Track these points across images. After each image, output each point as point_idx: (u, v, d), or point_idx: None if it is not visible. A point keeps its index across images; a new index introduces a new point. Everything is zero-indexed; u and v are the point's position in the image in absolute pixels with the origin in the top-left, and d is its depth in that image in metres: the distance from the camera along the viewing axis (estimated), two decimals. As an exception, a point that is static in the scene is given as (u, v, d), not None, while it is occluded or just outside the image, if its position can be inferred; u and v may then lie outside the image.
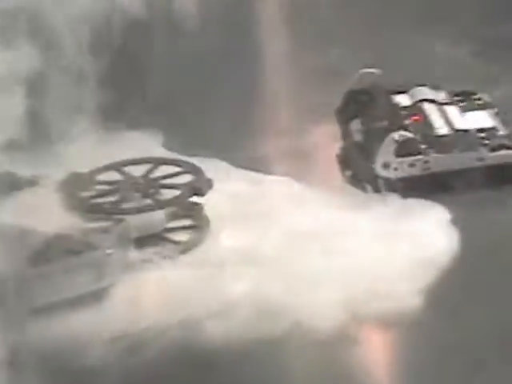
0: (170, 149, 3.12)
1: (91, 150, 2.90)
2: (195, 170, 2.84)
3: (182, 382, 2.22)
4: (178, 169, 2.87)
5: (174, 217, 2.73)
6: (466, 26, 3.54)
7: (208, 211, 2.75)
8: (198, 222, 2.72)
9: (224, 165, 3.04)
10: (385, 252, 2.58)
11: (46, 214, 2.61)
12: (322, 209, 2.77)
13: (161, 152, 3.06)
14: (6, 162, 2.51)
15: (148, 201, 2.74)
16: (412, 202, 2.71)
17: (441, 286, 2.48)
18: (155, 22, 3.16)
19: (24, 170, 2.77)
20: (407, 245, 2.60)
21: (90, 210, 2.71)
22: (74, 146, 2.87)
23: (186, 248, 2.64)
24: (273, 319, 2.35)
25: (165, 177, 2.84)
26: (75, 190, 2.77)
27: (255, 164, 3.02)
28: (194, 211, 2.74)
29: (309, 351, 2.32)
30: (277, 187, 2.92)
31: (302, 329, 2.31)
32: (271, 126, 3.32)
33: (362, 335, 2.37)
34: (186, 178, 2.82)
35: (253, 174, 2.98)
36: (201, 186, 2.77)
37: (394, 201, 2.69)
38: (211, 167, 2.93)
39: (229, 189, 2.86)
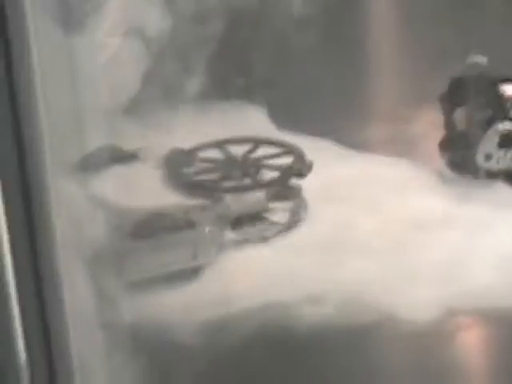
0: (276, 124, 3.10)
1: (196, 123, 2.94)
2: (296, 152, 2.85)
3: (269, 365, 2.23)
4: (279, 149, 2.89)
5: (274, 198, 2.73)
6: None
7: (307, 194, 2.74)
8: (297, 205, 2.71)
9: (328, 145, 3.01)
10: (485, 245, 2.56)
11: (146, 189, 2.67)
12: (424, 197, 2.77)
13: (266, 127, 3.04)
14: (111, 134, 2.57)
15: (248, 180, 2.78)
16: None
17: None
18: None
19: (128, 142, 2.79)
20: (507, 236, 2.57)
21: (191, 187, 2.75)
22: (179, 117, 2.92)
23: (282, 230, 2.65)
24: (365, 309, 2.35)
25: (266, 157, 2.86)
26: (176, 166, 2.81)
27: (359, 147, 2.99)
28: (293, 193, 2.74)
29: (397, 342, 2.34)
30: (379, 172, 2.90)
31: (395, 320, 2.31)
32: (377, 111, 3.32)
33: (456, 330, 2.36)
34: (287, 160, 2.84)
35: (355, 157, 2.96)
36: (301, 168, 2.78)
37: (496, 191, 2.67)
38: (315, 146, 2.94)
39: (330, 171, 2.84)
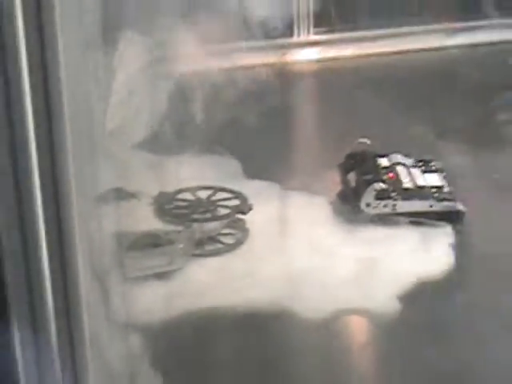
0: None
1: (178, 173, 2.88)
2: (242, 196, 2.84)
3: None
4: (230, 195, 2.86)
5: (225, 227, 2.71)
6: (434, 114, 3.50)
7: (248, 224, 2.71)
8: (241, 232, 2.70)
9: (268, 188, 2.97)
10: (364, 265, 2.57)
11: (140, 218, 2.62)
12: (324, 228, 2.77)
13: (229, 177, 3.00)
14: (117, 179, 2.50)
15: (209, 215, 2.76)
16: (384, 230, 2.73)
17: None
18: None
19: (128, 186, 2.73)
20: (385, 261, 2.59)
21: (170, 217, 2.73)
22: (165, 167, 2.89)
23: (231, 248, 2.63)
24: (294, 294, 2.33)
25: (221, 199, 2.84)
26: (161, 203, 2.78)
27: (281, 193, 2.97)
28: (239, 224, 2.72)
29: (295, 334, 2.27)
30: (294, 209, 2.87)
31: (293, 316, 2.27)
32: (298, 168, 3.27)
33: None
34: (235, 202, 2.81)
35: (281, 200, 2.92)
36: (244, 208, 2.77)
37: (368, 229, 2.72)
38: (255, 189, 2.92)
39: (265, 209, 2.80)
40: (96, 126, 1.76)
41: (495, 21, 4.51)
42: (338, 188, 2.89)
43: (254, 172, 3.08)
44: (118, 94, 2.80)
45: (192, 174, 2.94)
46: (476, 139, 3.15)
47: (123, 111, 2.87)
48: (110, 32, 1.99)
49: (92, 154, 1.69)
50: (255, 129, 3.24)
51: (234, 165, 3.12)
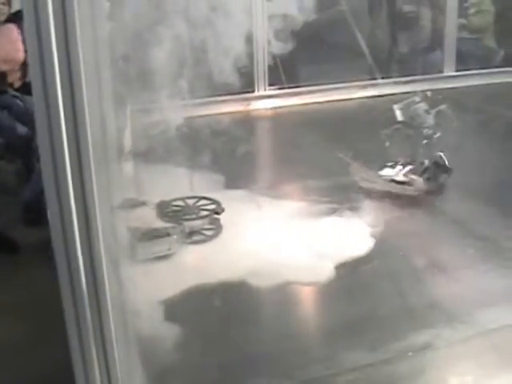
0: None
1: (176, 185, 2.86)
2: (216, 202, 2.81)
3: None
4: (208, 201, 2.83)
5: (206, 223, 2.69)
6: (350, 143, 3.48)
7: (222, 221, 2.71)
8: (217, 227, 2.69)
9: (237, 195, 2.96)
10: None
11: (148, 219, 2.60)
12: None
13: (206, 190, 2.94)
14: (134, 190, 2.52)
15: (194, 215, 2.72)
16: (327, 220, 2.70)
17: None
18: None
19: (140, 196, 2.70)
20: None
21: (168, 217, 2.69)
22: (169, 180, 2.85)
23: (210, 238, 2.62)
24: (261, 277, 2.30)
25: (203, 204, 2.81)
26: (162, 208, 2.75)
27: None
28: (215, 221, 2.71)
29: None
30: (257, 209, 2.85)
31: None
32: (259, 180, 3.26)
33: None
34: (213, 206, 2.79)
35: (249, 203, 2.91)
36: (218, 210, 2.75)
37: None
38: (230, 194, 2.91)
39: (236, 209, 2.79)
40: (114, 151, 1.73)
41: (390, 80, 4.58)
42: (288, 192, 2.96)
43: (228, 183, 3.09)
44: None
45: (183, 186, 2.92)
46: (373, 158, 3.16)
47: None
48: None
49: (114, 173, 1.66)
50: (229, 153, 3.27)
51: (215, 179, 3.10)
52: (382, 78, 4.49)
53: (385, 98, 4.26)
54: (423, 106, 3.14)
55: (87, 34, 1.30)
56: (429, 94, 3.26)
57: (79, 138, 1.35)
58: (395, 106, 3.14)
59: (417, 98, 3.18)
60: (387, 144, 3.11)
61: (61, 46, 1.30)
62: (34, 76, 1.29)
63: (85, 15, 1.30)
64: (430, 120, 3.12)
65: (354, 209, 2.76)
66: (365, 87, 4.48)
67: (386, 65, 4.91)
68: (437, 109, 3.17)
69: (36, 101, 1.32)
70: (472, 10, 5.02)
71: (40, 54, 1.28)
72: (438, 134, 3.09)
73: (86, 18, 1.31)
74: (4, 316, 2.11)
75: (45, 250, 1.48)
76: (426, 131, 3.07)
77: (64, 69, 1.28)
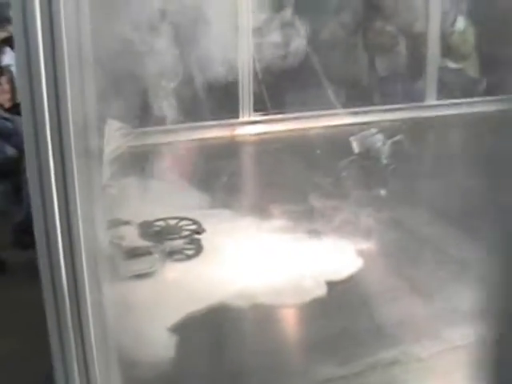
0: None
1: (158, 206, 2.86)
2: (198, 223, 2.84)
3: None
4: (190, 222, 2.85)
5: (187, 243, 2.71)
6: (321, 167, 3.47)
7: (203, 241, 2.73)
8: (197, 247, 2.71)
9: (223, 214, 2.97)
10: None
11: (131, 237, 2.62)
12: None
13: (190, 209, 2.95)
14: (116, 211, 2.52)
15: (176, 235, 2.74)
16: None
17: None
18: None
19: (124, 216, 2.69)
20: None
21: (151, 236, 2.71)
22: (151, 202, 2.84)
23: (191, 257, 2.64)
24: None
25: (184, 225, 2.84)
26: (145, 228, 2.77)
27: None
28: (195, 241, 2.74)
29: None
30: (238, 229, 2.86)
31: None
32: (241, 200, 3.25)
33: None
34: (194, 226, 2.82)
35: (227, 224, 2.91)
36: (199, 230, 2.78)
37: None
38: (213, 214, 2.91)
39: (217, 229, 2.81)
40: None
41: (373, 107, 4.61)
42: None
43: (211, 204, 3.09)
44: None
45: (166, 206, 2.91)
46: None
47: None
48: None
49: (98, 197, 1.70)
50: (214, 174, 3.30)
51: (199, 198, 3.10)
52: (366, 105, 4.52)
53: (367, 125, 4.16)
54: (380, 137, 3.15)
55: (73, 51, 1.35)
56: (387, 124, 3.27)
57: (64, 156, 1.40)
58: (352, 138, 3.15)
59: (373, 130, 3.18)
60: (343, 175, 3.11)
61: (49, 69, 1.34)
62: (22, 96, 1.34)
63: (71, 32, 1.35)
64: (386, 151, 3.12)
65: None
66: (348, 114, 4.48)
67: (369, 93, 4.90)
68: (392, 139, 3.17)
69: (24, 121, 1.39)
70: (454, 40, 4.94)
71: (29, 76, 1.32)
72: (392, 166, 3.10)
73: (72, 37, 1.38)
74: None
75: (31, 270, 1.51)
76: (381, 162, 3.08)
77: (51, 90, 1.33)
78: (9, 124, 3.16)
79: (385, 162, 3.12)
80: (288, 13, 4.28)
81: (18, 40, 1.33)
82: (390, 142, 3.16)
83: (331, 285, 2.42)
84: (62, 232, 1.49)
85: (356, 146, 3.13)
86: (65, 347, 1.51)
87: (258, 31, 4.21)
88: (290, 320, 2.36)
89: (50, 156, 1.43)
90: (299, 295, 2.33)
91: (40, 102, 1.38)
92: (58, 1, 1.29)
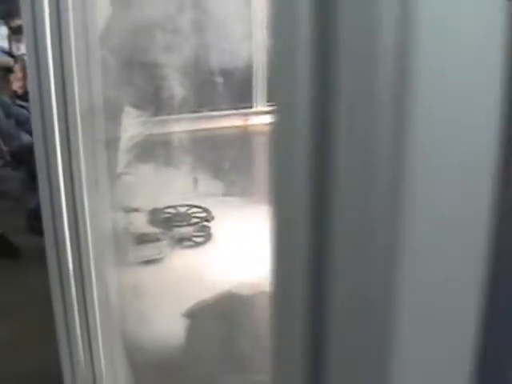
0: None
1: (169, 193, 2.84)
2: (207, 210, 2.85)
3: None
4: (200, 209, 2.87)
5: (196, 230, 2.73)
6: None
7: (212, 229, 2.75)
8: (207, 234, 2.73)
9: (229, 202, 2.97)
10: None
11: (141, 224, 2.62)
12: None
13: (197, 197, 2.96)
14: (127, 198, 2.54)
15: (185, 222, 2.76)
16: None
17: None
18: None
19: (133, 204, 2.68)
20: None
21: (161, 223, 2.72)
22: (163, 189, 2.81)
23: (200, 245, 2.67)
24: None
25: (194, 212, 2.85)
26: (154, 215, 2.77)
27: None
28: (205, 229, 2.76)
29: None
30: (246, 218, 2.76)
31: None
32: (253, 189, 3.14)
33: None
34: (203, 214, 2.84)
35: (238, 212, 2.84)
36: (208, 218, 2.79)
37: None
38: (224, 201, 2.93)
39: (225, 218, 2.80)
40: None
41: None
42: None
43: (223, 193, 3.07)
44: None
45: (178, 194, 2.88)
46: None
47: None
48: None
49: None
50: (225, 162, 3.22)
51: (211, 186, 3.06)
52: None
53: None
54: None
55: (81, 41, 1.37)
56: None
57: (70, 139, 1.43)
58: None
59: None
60: None
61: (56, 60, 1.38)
62: (30, 82, 1.38)
63: (79, 29, 1.38)
64: None
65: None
66: None
67: None
68: None
69: (32, 109, 1.41)
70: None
71: (36, 64, 1.35)
72: None
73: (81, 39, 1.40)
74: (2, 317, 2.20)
75: (44, 256, 1.54)
76: None
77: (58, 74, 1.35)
78: (24, 111, 3.21)
79: None
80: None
81: (27, 29, 1.37)
82: None
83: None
84: (68, 218, 1.52)
85: None
86: (70, 332, 1.56)
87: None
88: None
89: (57, 143, 1.46)
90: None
91: (47, 90, 1.42)
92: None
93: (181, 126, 3.60)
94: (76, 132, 1.44)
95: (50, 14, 1.34)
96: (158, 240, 2.51)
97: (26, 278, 2.52)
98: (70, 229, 1.51)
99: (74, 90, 1.41)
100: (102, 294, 1.64)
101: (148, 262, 2.41)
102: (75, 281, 1.56)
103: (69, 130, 1.44)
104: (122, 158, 2.67)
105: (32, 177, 2.90)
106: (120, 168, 2.56)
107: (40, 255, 1.87)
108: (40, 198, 1.48)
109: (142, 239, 2.48)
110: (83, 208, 1.50)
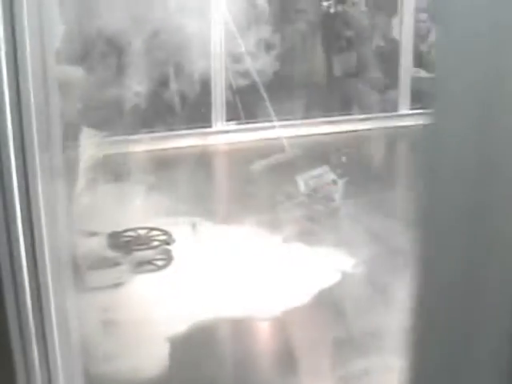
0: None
1: (127, 216, 2.83)
2: (167, 233, 2.82)
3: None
4: (159, 232, 2.84)
5: (157, 254, 2.70)
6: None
7: (173, 251, 2.72)
8: (167, 257, 2.70)
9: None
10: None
11: (98, 248, 2.57)
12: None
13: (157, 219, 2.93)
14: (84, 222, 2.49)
15: (146, 245, 2.73)
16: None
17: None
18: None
19: (93, 228, 2.68)
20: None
21: (120, 247, 2.69)
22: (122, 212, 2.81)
23: (160, 268, 2.63)
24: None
25: (154, 235, 2.83)
26: (115, 237, 2.74)
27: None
28: (166, 252, 2.73)
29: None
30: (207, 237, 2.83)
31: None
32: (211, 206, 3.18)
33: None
34: (163, 237, 2.81)
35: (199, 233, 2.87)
36: (169, 241, 2.76)
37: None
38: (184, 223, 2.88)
39: (186, 241, 2.78)
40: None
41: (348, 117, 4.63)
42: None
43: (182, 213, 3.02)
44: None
45: (138, 215, 2.88)
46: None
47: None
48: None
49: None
50: (187, 180, 3.26)
51: (170, 207, 3.04)
52: (340, 115, 4.53)
53: (343, 134, 4.36)
54: (331, 175, 2.89)
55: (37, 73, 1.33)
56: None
57: (27, 167, 1.39)
58: (298, 178, 2.91)
59: (325, 168, 2.95)
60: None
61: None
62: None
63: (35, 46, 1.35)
64: (336, 192, 2.87)
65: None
66: (322, 124, 4.50)
67: (345, 102, 4.90)
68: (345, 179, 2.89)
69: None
70: (429, 49, 4.88)
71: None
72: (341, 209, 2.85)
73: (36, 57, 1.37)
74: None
75: None
76: (329, 204, 2.85)
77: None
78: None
79: (333, 203, 2.80)
80: (262, 24, 4.30)
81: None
82: (341, 181, 2.88)
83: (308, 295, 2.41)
84: (25, 243, 1.46)
85: (302, 187, 2.86)
86: (28, 357, 1.47)
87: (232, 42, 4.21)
88: (263, 334, 2.34)
89: (12, 167, 1.41)
90: (274, 306, 2.32)
91: (3, 116, 1.37)
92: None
93: (139, 147, 3.60)
94: (34, 160, 1.41)
95: (6, 41, 1.31)
96: (118, 264, 2.48)
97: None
98: (27, 256, 1.46)
99: (31, 120, 1.37)
100: (61, 319, 1.59)
101: (107, 288, 2.38)
102: (32, 307, 1.50)
103: (25, 157, 1.40)
104: (80, 179, 2.64)
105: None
106: (78, 189, 2.52)
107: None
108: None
109: (102, 264, 2.45)
110: (41, 233, 1.45)
